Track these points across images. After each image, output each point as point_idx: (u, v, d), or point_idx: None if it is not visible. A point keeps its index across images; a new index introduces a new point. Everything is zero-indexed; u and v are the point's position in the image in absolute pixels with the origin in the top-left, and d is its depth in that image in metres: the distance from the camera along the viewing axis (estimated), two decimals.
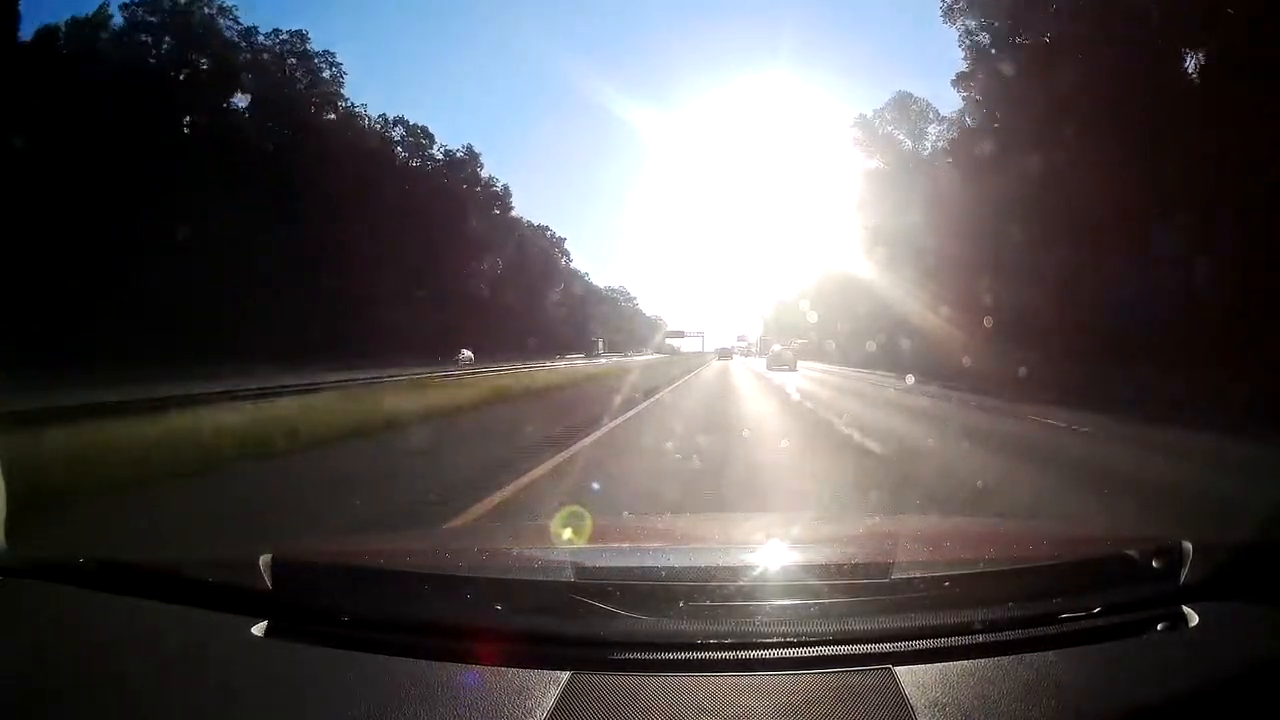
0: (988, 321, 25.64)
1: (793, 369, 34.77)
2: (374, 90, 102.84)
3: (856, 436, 9.19)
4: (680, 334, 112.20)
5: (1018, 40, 27.13)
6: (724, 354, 70.01)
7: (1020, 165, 22.84)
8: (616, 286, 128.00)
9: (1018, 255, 24.07)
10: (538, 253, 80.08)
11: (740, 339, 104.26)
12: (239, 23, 46.42)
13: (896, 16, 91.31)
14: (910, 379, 22.40)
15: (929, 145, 40.56)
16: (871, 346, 38.88)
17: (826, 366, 40.60)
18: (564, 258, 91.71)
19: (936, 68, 78.19)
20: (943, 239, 30.23)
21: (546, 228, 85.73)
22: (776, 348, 42.45)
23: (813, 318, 56.29)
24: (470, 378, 23.42)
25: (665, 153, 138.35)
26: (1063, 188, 21.27)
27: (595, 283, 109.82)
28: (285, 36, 49.17)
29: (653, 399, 16.43)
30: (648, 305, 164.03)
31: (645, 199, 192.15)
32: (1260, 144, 16.17)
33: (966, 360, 23.06)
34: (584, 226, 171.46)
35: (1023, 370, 19.40)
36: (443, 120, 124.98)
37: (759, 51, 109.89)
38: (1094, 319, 20.38)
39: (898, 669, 1.15)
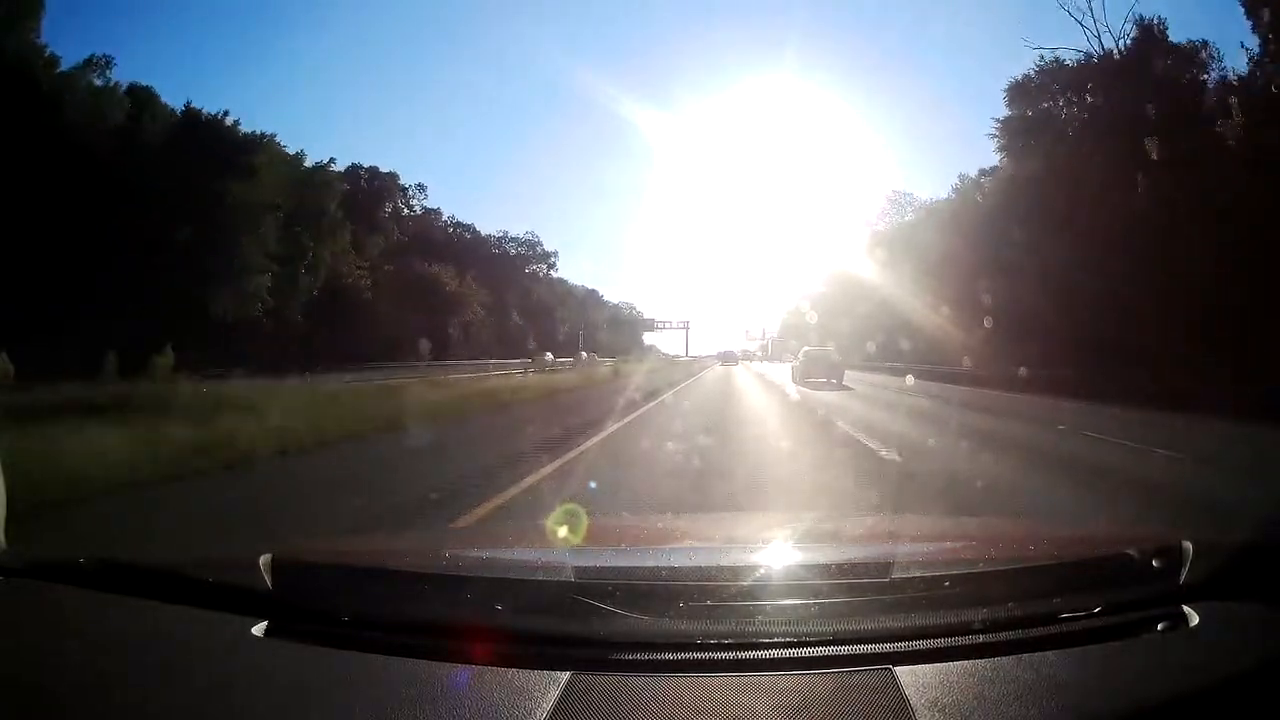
0: (987, 322, 25.67)
1: (839, 382, 23.71)
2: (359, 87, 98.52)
3: None
4: (651, 324, 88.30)
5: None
6: (728, 359, 67.34)
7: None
8: (523, 235, 77.62)
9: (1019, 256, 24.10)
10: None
11: (748, 336, 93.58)
12: None
13: (899, 16, 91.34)
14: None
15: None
16: (871, 347, 38.70)
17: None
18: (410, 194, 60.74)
19: (938, 69, 78.27)
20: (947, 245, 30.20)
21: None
22: (808, 349, 29.52)
23: (813, 319, 54.46)
24: None
25: (653, 134, 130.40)
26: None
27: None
28: None
29: None
30: (611, 290, 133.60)
31: (621, 177, 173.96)
32: None
33: (966, 360, 23.08)
34: (567, 218, 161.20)
35: (1022, 370, 19.44)
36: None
37: (758, 53, 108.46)
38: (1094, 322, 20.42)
39: (898, 669, 1.15)
